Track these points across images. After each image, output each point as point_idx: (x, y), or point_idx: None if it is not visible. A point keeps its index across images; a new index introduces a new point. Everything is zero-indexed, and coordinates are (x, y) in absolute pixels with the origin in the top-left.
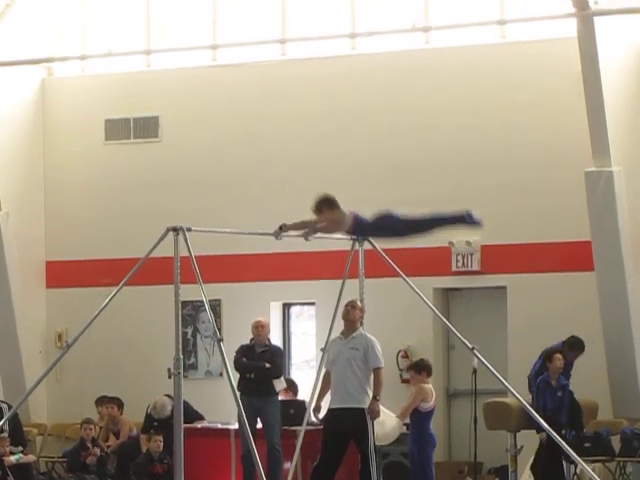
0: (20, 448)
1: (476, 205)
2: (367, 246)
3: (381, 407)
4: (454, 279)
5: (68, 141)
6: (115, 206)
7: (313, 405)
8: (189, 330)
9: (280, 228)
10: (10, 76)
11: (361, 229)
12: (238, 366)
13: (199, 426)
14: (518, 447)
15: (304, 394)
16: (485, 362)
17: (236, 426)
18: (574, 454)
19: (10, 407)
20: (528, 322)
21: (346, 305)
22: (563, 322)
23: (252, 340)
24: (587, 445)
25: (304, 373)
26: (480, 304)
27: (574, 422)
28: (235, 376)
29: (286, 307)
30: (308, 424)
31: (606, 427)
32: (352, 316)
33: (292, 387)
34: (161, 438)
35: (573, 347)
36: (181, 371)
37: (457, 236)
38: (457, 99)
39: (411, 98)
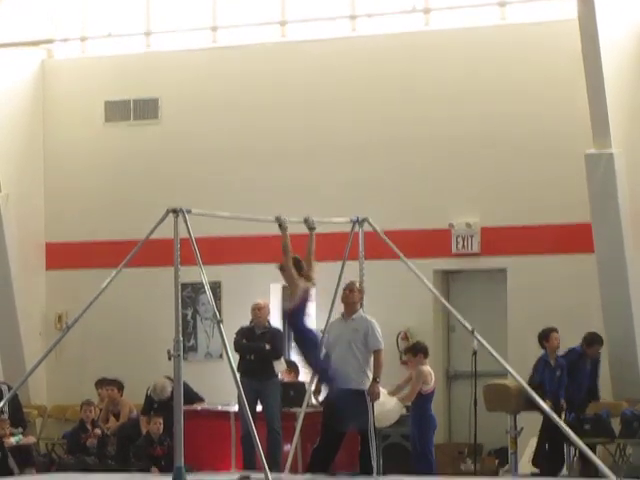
0: (20, 430)
1: (476, 187)
2: (367, 228)
3: (381, 389)
4: (454, 261)
5: (68, 123)
6: (115, 188)
7: (313, 387)
8: (189, 312)
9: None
10: (10, 58)
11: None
12: (238, 348)
13: (199, 408)
14: (518, 429)
15: (304, 376)
16: (485, 344)
17: (236, 408)
18: (574, 436)
19: (10, 388)
20: (528, 304)
21: (344, 289)
22: (563, 304)
23: (252, 322)
24: (587, 427)
25: None
26: (480, 286)
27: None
28: (235, 358)
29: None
30: (308, 406)
31: (606, 409)
32: (351, 299)
33: (293, 369)
34: (161, 420)
35: (591, 343)
36: (181, 353)
37: (457, 218)
38: (457, 81)
39: (411, 80)
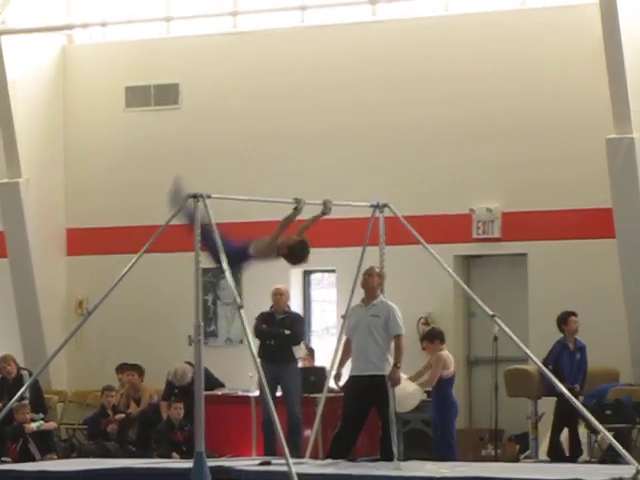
0: (41, 415)
1: (497, 172)
2: (388, 213)
3: (402, 374)
4: (475, 246)
5: (88, 108)
6: (135, 173)
7: (334, 372)
8: (209, 297)
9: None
10: (30, 44)
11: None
12: (258, 333)
13: (219, 393)
14: (539, 414)
15: (325, 361)
16: (506, 329)
17: (256, 393)
18: (595, 421)
19: (31, 374)
20: (549, 289)
21: (364, 273)
22: (583, 289)
23: (272, 307)
24: (608, 412)
25: (324, 341)
26: (501, 271)
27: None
28: (255, 343)
29: (306, 274)
30: (329, 391)
31: (627, 394)
32: (370, 284)
33: (310, 353)
34: (181, 405)
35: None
36: (201, 338)
37: (478, 203)
38: (477, 65)
39: (431, 64)
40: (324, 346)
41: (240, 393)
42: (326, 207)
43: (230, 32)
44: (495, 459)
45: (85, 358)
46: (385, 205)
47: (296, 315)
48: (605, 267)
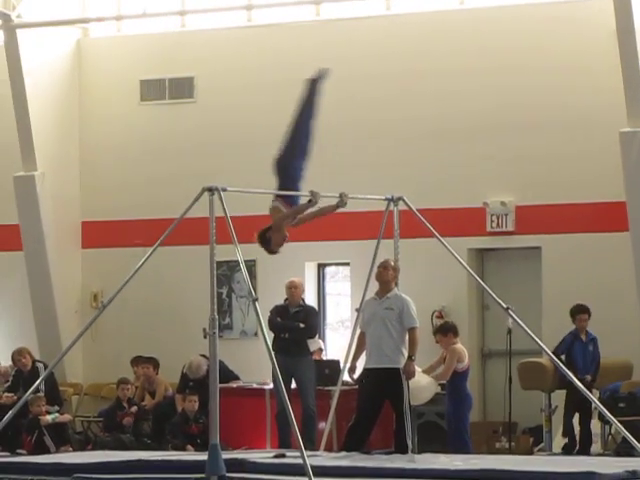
0: (56, 407)
1: (511, 166)
2: (402, 206)
3: (416, 367)
4: (489, 239)
5: (103, 101)
6: (150, 166)
7: (348, 365)
8: (224, 290)
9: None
10: (46, 37)
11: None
12: (272, 326)
13: (234, 386)
14: (553, 407)
15: (339, 354)
16: (520, 322)
17: (271, 386)
18: (608, 414)
19: (46, 367)
20: (562, 282)
21: (378, 266)
22: (597, 282)
23: (286, 300)
24: (621, 405)
25: (338, 334)
26: (514, 264)
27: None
28: (270, 336)
29: (321, 267)
30: (343, 384)
31: None
32: (385, 277)
33: (319, 349)
34: (196, 398)
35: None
36: (216, 331)
37: (492, 197)
38: (492, 60)
39: (444, 57)
40: (338, 339)
41: (255, 386)
42: (342, 201)
43: (245, 26)
44: (509, 452)
45: (100, 351)
46: (400, 198)
47: (310, 308)
48: (618, 260)
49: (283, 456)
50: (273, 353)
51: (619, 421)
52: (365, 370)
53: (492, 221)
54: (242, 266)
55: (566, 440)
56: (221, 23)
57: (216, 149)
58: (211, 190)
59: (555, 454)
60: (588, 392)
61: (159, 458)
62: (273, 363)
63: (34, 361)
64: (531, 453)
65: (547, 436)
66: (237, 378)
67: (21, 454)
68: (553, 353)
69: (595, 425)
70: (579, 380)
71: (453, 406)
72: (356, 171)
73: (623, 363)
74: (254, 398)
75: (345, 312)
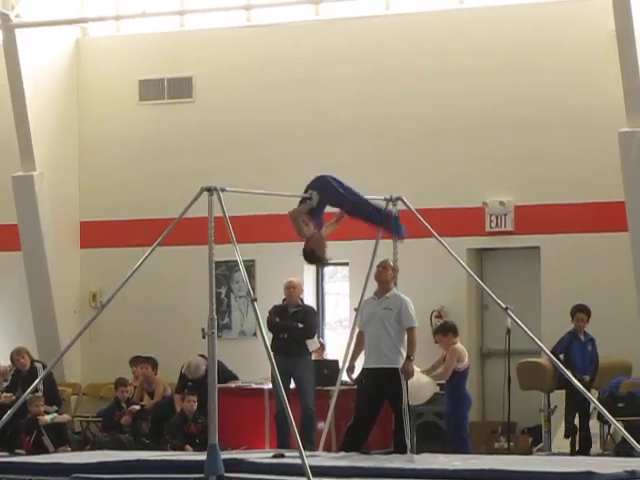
0: (55, 407)
1: (510, 166)
2: (401, 206)
3: (415, 367)
4: (488, 239)
5: (102, 101)
6: (149, 166)
7: (347, 365)
8: (223, 290)
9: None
10: (44, 37)
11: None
12: (271, 326)
13: (233, 386)
14: (552, 407)
15: (337, 354)
16: (519, 322)
17: (270, 386)
18: (607, 414)
19: (45, 366)
20: (561, 282)
21: (377, 266)
22: (596, 282)
23: (284, 300)
24: (620, 405)
25: (337, 333)
26: (513, 264)
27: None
28: (269, 336)
29: (320, 267)
30: (342, 384)
31: None
32: (384, 277)
33: (321, 347)
34: (195, 398)
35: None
36: (215, 331)
37: (491, 196)
38: (490, 59)
39: (443, 58)
40: (337, 339)
41: (253, 386)
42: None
43: (244, 25)
44: (508, 452)
45: (99, 351)
46: (398, 198)
47: (309, 308)
48: (618, 260)
49: (282, 456)
50: (272, 353)
51: (618, 421)
52: (364, 370)
53: (491, 221)
54: (241, 266)
55: (569, 440)
56: (220, 23)
57: (215, 149)
58: (210, 190)
59: (554, 454)
60: (587, 392)
61: (158, 458)
62: (272, 363)
63: (33, 361)
64: (530, 453)
65: (546, 436)
66: (236, 378)
67: (20, 454)
68: (551, 352)
69: (594, 425)
70: (578, 380)
71: (452, 406)
72: (355, 171)
73: (622, 363)
74: (253, 398)
75: (344, 312)
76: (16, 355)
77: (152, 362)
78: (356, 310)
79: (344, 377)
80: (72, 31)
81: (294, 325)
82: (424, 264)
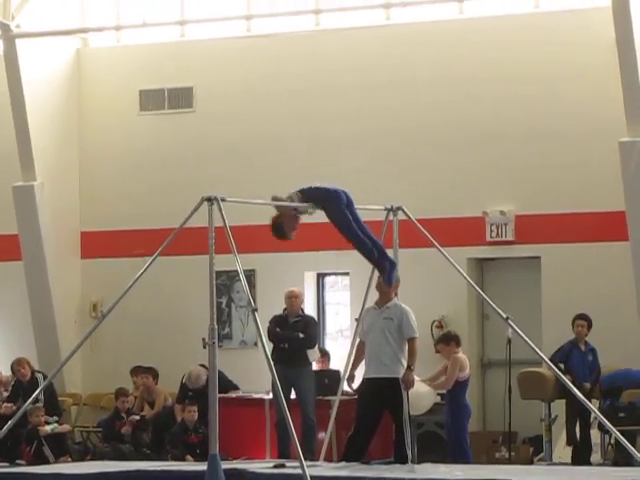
0: (55, 418)
1: (511, 175)
2: (401, 216)
3: (415, 377)
4: (488, 249)
5: (103, 111)
6: (149, 176)
7: (347, 375)
8: (224, 300)
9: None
10: (45, 47)
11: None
12: (272, 336)
13: (233, 396)
14: (552, 417)
15: (338, 364)
16: (519, 332)
17: (270, 396)
18: (608, 423)
19: (45, 377)
20: (562, 292)
21: (378, 276)
22: (597, 292)
23: (285, 310)
24: (621, 415)
25: (338, 343)
26: (514, 274)
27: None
28: (269, 346)
29: (320, 277)
30: (342, 394)
31: None
32: (384, 286)
33: (325, 356)
34: (196, 408)
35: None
36: (216, 341)
37: (491, 206)
38: (490, 70)
39: (443, 67)
40: (338, 349)
41: (254, 396)
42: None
43: (244, 36)
44: (509, 462)
45: (99, 361)
46: (399, 208)
47: (310, 318)
48: (618, 270)
49: (283, 466)
50: (273, 363)
51: (619, 431)
52: (364, 380)
53: (492, 231)
54: (241, 276)
55: (570, 450)
56: (220, 33)
57: (215, 159)
58: (210, 200)
59: (555, 464)
60: (587, 402)
61: (158, 468)
62: (273, 373)
63: (33, 371)
64: (531, 463)
65: (547, 446)
66: (236, 388)
67: (20, 464)
68: (550, 360)
69: (595, 435)
70: (578, 388)
71: (452, 416)
72: (356, 180)
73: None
74: (253, 408)
75: (344, 322)
76: (17, 365)
77: (153, 372)
78: (357, 320)
79: (345, 387)
80: (73, 41)
81: (295, 335)
82: (425, 274)
